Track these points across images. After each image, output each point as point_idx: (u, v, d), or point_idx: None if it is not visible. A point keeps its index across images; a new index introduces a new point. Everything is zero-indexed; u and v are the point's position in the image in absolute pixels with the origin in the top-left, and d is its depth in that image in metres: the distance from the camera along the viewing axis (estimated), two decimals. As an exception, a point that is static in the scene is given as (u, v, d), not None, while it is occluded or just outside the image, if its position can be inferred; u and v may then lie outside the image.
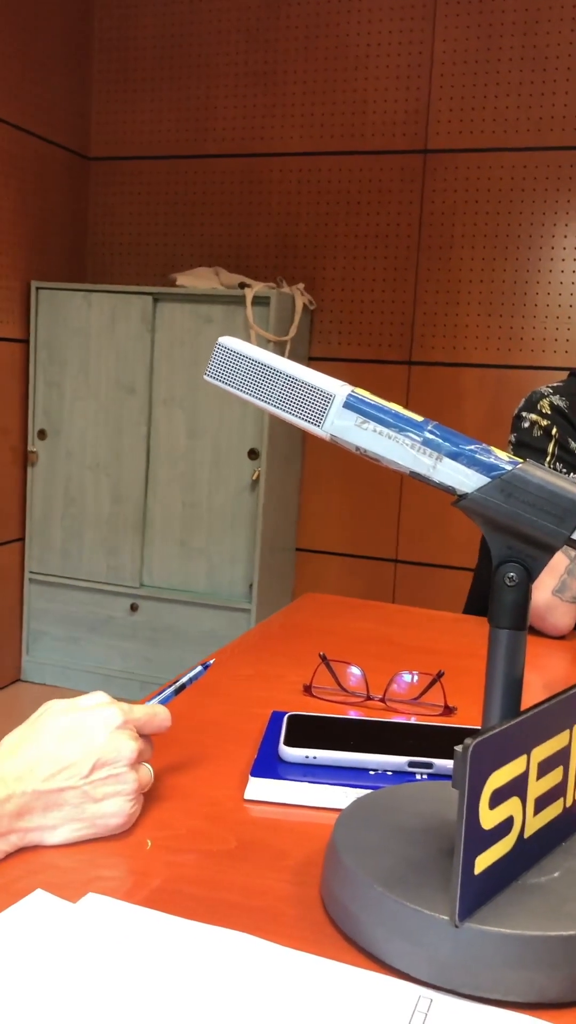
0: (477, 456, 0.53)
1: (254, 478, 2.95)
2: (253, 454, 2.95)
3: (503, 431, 1.34)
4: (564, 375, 1.44)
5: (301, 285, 3.07)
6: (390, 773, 0.72)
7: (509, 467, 0.52)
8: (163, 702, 0.69)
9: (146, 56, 3.29)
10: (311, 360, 3.18)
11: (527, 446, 1.33)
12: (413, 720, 0.87)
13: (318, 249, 3.16)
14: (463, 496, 0.53)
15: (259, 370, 0.56)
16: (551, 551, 0.53)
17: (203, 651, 3.02)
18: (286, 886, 0.58)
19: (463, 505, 0.53)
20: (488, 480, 0.52)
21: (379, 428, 0.54)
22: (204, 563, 3.05)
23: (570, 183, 2.87)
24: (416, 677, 0.93)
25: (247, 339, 2.88)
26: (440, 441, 0.54)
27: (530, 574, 0.53)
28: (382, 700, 0.90)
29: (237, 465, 2.98)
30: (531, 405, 1.35)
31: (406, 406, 3.14)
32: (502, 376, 2.96)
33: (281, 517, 3.12)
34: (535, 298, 2.93)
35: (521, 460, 0.53)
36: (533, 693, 1.00)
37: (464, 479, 0.53)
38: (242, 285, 2.94)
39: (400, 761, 0.73)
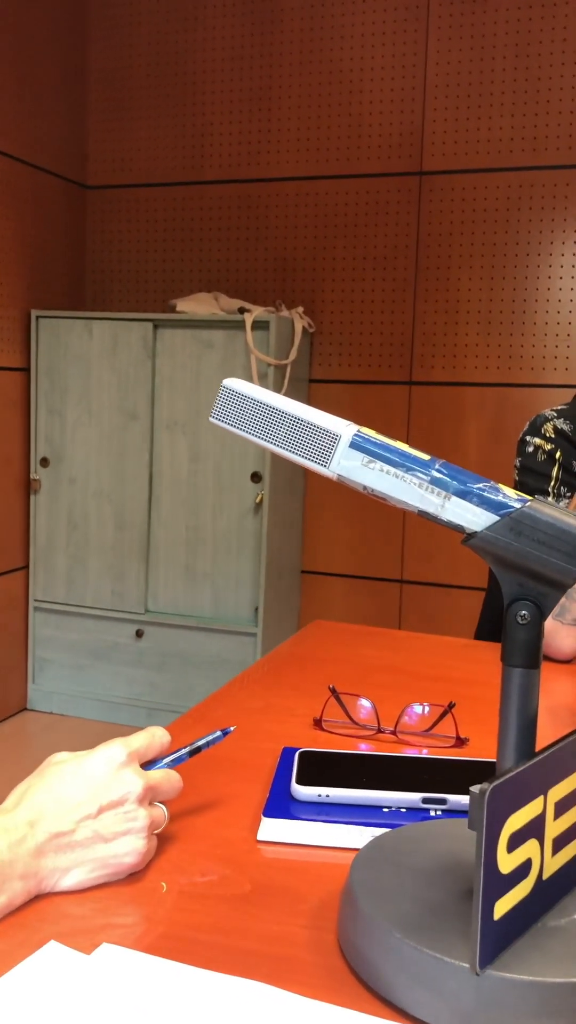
0: (486, 494, 0.53)
1: (257, 501, 2.95)
2: (256, 477, 2.95)
3: (505, 450, 1.34)
4: (564, 393, 1.44)
5: (300, 308, 3.08)
6: (404, 810, 0.72)
7: (518, 505, 0.52)
8: (175, 763, 0.68)
9: (141, 84, 3.32)
10: (312, 382, 3.19)
11: (532, 470, 1.33)
12: (425, 753, 0.86)
13: (316, 272, 3.17)
14: (472, 535, 0.53)
15: (264, 412, 0.56)
16: (563, 589, 0.52)
17: (210, 676, 3.01)
18: (302, 931, 0.57)
19: (472, 544, 0.53)
20: (497, 518, 0.52)
21: (386, 467, 0.54)
22: (209, 588, 3.04)
23: (566, 201, 2.89)
24: (427, 708, 0.92)
25: (248, 363, 2.89)
26: (448, 480, 0.53)
27: (542, 612, 0.53)
28: (393, 732, 0.89)
29: (240, 489, 2.98)
30: (535, 429, 1.35)
31: (408, 426, 3.16)
32: (503, 395, 2.96)
33: (285, 540, 3.12)
34: (534, 316, 2.94)
35: (530, 498, 0.53)
36: (539, 720, 0.99)
37: (473, 518, 0.53)
38: (242, 310, 2.95)
39: (414, 798, 0.72)
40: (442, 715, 0.89)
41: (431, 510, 0.54)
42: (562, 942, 0.51)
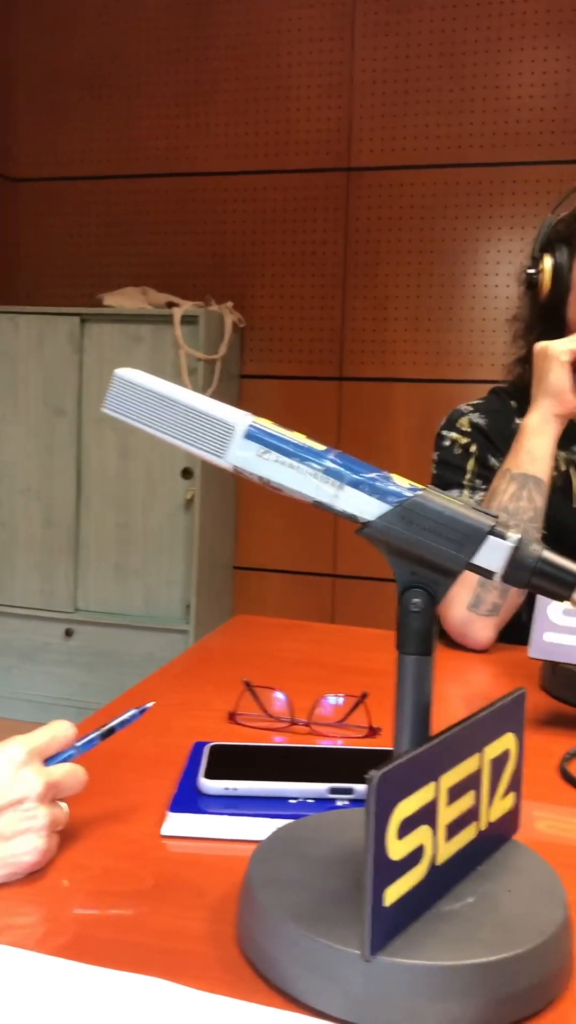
0: (377, 484, 0.53)
1: (188, 498, 2.93)
2: (187, 473, 2.94)
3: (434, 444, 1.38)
4: (488, 388, 1.47)
5: (230, 303, 3.07)
6: (311, 801, 0.72)
7: (409, 494, 0.52)
8: (87, 747, 0.67)
9: (72, 77, 3.27)
10: (243, 378, 3.18)
11: (448, 464, 1.35)
12: (339, 744, 0.87)
13: (246, 267, 3.17)
14: (366, 524, 0.53)
15: (159, 402, 0.55)
16: (453, 576, 0.53)
17: (142, 675, 2.97)
18: (203, 925, 0.57)
19: (366, 533, 0.53)
20: (389, 508, 0.52)
21: (281, 458, 0.54)
22: (140, 585, 3.02)
23: (490, 199, 2.93)
24: (342, 699, 0.92)
25: (177, 358, 2.87)
26: (341, 470, 0.54)
27: (434, 599, 0.53)
28: (307, 724, 0.90)
29: (171, 485, 2.96)
30: (451, 424, 1.37)
31: (339, 422, 3.17)
32: (431, 390, 3.00)
33: (218, 536, 3.11)
34: (460, 312, 2.98)
35: (421, 487, 0.53)
36: (454, 708, 1.01)
37: (366, 507, 0.53)
38: (170, 304, 2.93)
39: (321, 788, 0.72)
40: (355, 706, 0.90)
41: (325, 500, 0.54)
42: (455, 926, 0.51)
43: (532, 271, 1.33)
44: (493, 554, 0.52)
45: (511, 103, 2.88)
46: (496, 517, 0.52)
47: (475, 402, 1.40)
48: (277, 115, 3.09)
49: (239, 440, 0.54)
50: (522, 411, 1.28)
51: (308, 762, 0.77)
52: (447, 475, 1.34)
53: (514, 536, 0.51)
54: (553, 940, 0.51)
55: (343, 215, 3.06)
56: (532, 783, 0.81)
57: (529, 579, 0.51)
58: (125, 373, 0.56)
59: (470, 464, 1.33)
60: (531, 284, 1.33)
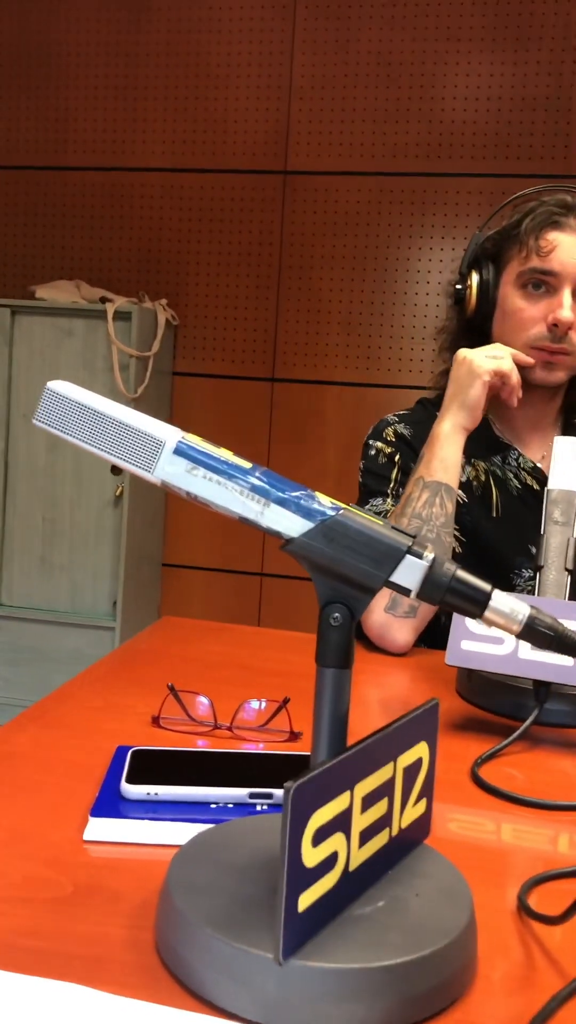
0: (302, 502, 0.55)
1: (117, 493, 2.92)
2: (116, 469, 2.92)
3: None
4: (417, 394, 1.50)
5: (164, 300, 3.07)
6: (231, 806, 0.73)
7: (332, 513, 0.54)
8: None
9: (1, 64, 3.21)
10: (175, 375, 3.17)
11: (373, 473, 1.38)
12: (261, 748, 0.88)
13: (181, 265, 3.16)
14: (290, 540, 0.55)
15: (89, 416, 0.56)
16: (371, 593, 0.55)
17: (67, 671, 2.96)
18: (121, 931, 0.58)
19: (290, 549, 0.55)
20: (312, 525, 0.54)
21: (209, 474, 0.55)
22: (66, 580, 2.99)
23: (423, 207, 2.98)
24: (264, 704, 0.94)
25: (108, 354, 2.86)
26: (267, 487, 0.55)
27: (353, 615, 0.55)
28: (229, 728, 0.91)
29: (100, 480, 2.94)
30: (377, 433, 1.40)
31: (270, 423, 3.18)
32: (361, 394, 3.04)
33: (147, 532, 3.10)
34: (391, 319, 3.02)
35: (344, 506, 0.55)
36: (373, 713, 1.04)
37: (290, 524, 0.55)
38: (103, 299, 2.91)
39: (241, 793, 0.74)
40: (277, 710, 0.92)
41: (251, 516, 0.55)
42: (365, 930, 0.53)
43: (459, 287, 1.36)
44: (409, 573, 0.54)
45: (445, 115, 2.93)
46: (414, 537, 0.55)
47: (401, 412, 1.43)
48: (215, 114, 3.09)
49: (168, 455, 0.56)
50: (447, 423, 1.31)
51: (229, 767, 0.78)
52: (372, 483, 1.37)
53: (429, 556, 0.54)
54: (457, 942, 0.54)
55: (279, 217, 3.08)
56: (446, 786, 0.84)
57: (443, 597, 0.54)
58: (57, 386, 0.57)
59: (394, 473, 1.36)
60: (458, 299, 1.37)
